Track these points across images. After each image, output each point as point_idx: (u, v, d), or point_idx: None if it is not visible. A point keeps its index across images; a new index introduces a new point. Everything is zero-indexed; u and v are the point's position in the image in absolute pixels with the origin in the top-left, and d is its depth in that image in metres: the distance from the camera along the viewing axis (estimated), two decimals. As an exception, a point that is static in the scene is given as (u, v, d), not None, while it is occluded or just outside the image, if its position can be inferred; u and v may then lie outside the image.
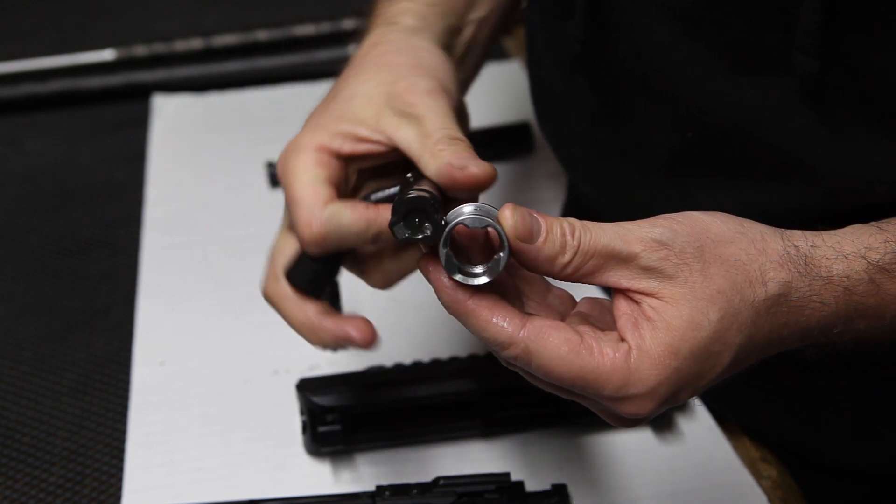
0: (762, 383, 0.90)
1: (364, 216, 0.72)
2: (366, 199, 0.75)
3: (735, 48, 0.78)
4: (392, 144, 0.74)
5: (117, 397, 1.01)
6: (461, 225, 0.62)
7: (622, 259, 0.62)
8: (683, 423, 0.94)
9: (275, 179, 1.16)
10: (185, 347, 1.04)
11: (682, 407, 0.95)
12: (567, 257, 0.62)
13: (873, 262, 0.65)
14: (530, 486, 0.86)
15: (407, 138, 0.72)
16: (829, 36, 0.71)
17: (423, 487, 0.84)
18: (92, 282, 1.17)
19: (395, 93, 0.75)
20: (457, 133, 0.72)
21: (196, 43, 1.51)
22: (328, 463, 0.91)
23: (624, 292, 0.64)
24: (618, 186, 0.92)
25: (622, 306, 0.63)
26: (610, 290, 0.65)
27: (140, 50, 1.50)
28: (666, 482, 0.90)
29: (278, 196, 0.77)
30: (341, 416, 0.88)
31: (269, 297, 0.78)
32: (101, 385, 1.04)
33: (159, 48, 1.51)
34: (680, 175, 0.85)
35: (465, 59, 0.89)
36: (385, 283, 0.78)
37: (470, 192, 0.70)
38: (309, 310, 0.76)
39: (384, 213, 0.72)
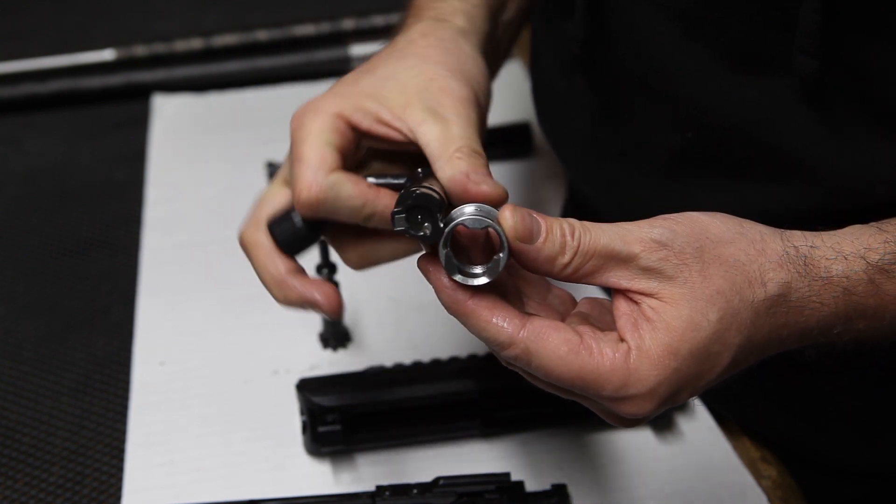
0: (762, 383, 0.90)
1: (363, 194, 0.72)
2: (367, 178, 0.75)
3: (735, 48, 0.78)
4: (411, 137, 0.73)
5: (117, 397, 1.01)
6: (461, 225, 0.62)
7: (622, 259, 0.63)
8: (683, 423, 0.94)
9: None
10: (185, 347, 1.04)
11: (682, 407, 0.95)
12: (567, 258, 0.62)
13: (873, 263, 0.65)
14: (530, 486, 0.86)
15: (428, 135, 0.72)
16: (829, 36, 0.71)
17: (423, 487, 0.84)
18: (92, 282, 1.17)
19: (430, 89, 0.74)
20: (478, 147, 0.71)
21: (196, 43, 1.51)
22: (328, 463, 0.91)
23: (624, 293, 0.64)
24: (618, 186, 0.92)
25: (622, 307, 0.63)
26: (610, 291, 0.65)
27: (140, 50, 1.50)
28: (666, 482, 0.90)
29: (279, 196, 0.77)
30: (341, 416, 0.88)
31: (244, 243, 0.77)
32: (101, 385, 1.04)
33: (159, 48, 1.51)
34: (680, 175, 0.85)
35: (493, 62, 0.89)
36: (359, 263, 0.77)
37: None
38: (280, 265, 0.75)
39: (383, 197, 0.72)
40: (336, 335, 1.02)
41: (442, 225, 0.62)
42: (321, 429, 0.89)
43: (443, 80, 0.74)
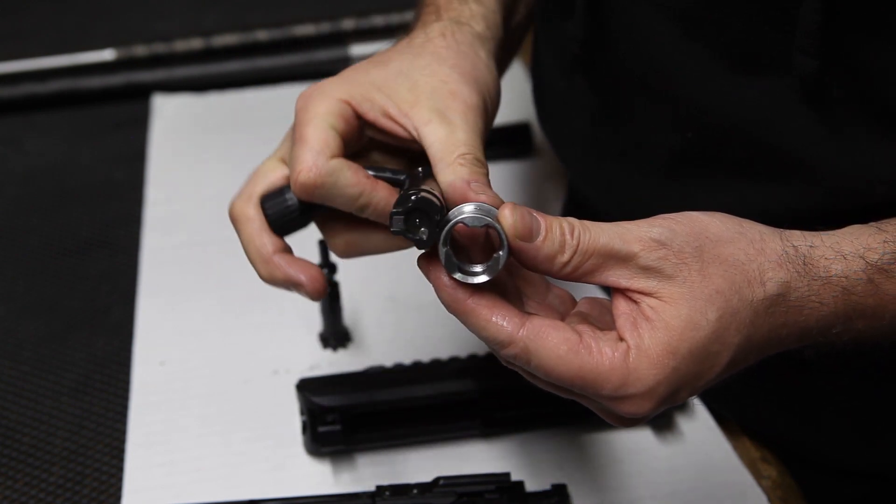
0: (762, 383, 0.90)
1: (361, 184, 0.72)
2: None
3: (735, 48, 0.78)
4: (414, 135, 0.73)
5: (117, 397, 1.01)
6: (461, 224, 0.62)
7: (621, 258, 0.63)
8: (683, 423, 0.94)
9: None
10: (185, 347, 1.04)
11: (682, 407, 0.95)
12: (566, 256, 0.62)
13: (872, 263, 0.65)
14: (530, 486, 0.86)
15: (431, 136, 0.72)
16: (829, 36, 0.71)
17: (423, 487, 0.84)
18: (92, 282, 1.17)
19: (441, 90, 0.74)
20: (482, 156, 0.71)
21: (196, 43, 1.51)
22: (328, 463, 0.91)
23: (623, 292, 0.64)
24: (618, 186, 0.92)
25: (621, 306, 0.63)
26: (609, 290, 0.65)
27: (140, 50, 1.50)
28: (666, 482, 0.90)
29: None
30: (341, 416, 0.88)
31: (234, 216, 0.76)
32: (101, 385, 1.04)
33: (159, 48, 1.51)
34: (680, 175, 0.85)
35: (500, 67, 0.89)
36: (345, 251, 0.77)
37: None
38: (268, 242, 0.74)
39: (380, 190, 0.72)
40: (336, 335, 1.02)
41: (439, 229, 0.62)
42: (321, 429, 0.89)
43: (454, 84, 0.74)
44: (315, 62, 1.47)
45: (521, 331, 0.62)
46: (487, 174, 0.70)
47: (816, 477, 0.93)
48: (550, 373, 0.62)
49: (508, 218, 0.61)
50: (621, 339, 0.62)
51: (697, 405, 0.95)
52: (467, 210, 0.63)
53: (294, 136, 0.74)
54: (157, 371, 1.01)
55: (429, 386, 0.90)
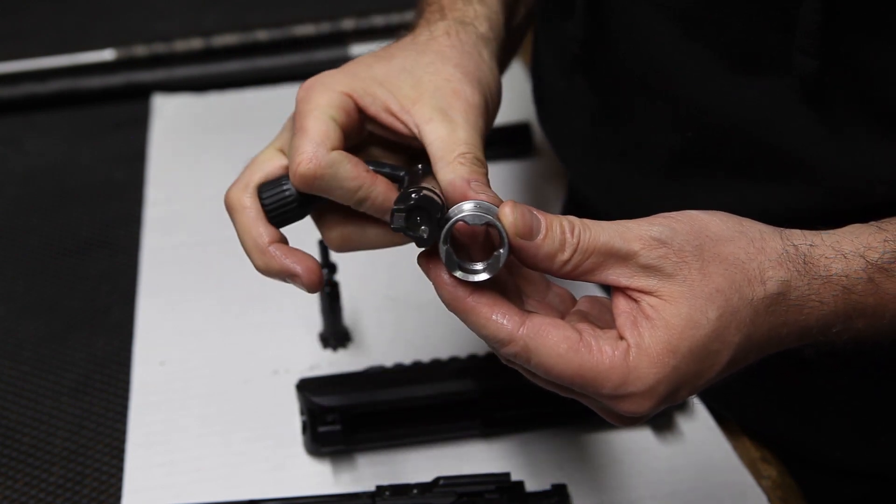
0: (762, 383, 0.90)
1: (361, 177, 0.71)
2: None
3: (735, 48, 0.78)
4: (415, 133, 0.73)
5: (117, 397, 1.01)
6: (462, 221, 0.62)
7: (621, 257, 0.63)
8: (683, 423, 0.94)
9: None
10: (185, 347, 1.04)
11: (682, 406, 0.95)
12: (566, 254, 0.62)
13: (872, 262, 0.65)
14: (530, 486, 0.86)
15: (432, 134, 0.72)
16: (829, 36, 0.71)
17: (423, 487, 0.84)
18: (92, 282, 1.17)
19: (443, 89, 0.74)
20: (482, 156, 0.71)
21: (196, 43, 1.51)
22: (328, 463, 0.91)
23: (623, 290, 0.64)
24: (618, 186, 0.92)
25: (621, 304, 0.63)
26: (609, 289, 0.65)
27: (140, 50, 1.50)
28: (666, 482, 0.90)
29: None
30: (341, 416, 0.88)
31: (230, 204, 0.75)
32: (101, 385, 1.04)
33: (159, 48, 1.51)
34: (680, 175, 0.85)
35: (501, 67, 0.89)
36: (340, 245, 0.76)
37: None
38: (264, 232, 0.73)
39: (379, 184, 0.72)
40: (336, 335, 1.02)
41: (440, 227, 0.62)
42: (321, 429, 0.89)
43: (457, 84, 0.74)
44: (315, 62, 1.47)
45: (522, 329, 0.62)
46: (487, 174, 0.70)
47: (816, 477, 0.93)
48: (550, 371, 0.62)
49: (509, 216, 0.61)
50: (621, 337, 0.62)
51: (697, 405, 0.95)
52: (468, 208, 0.63)
53: (294, 126, 0.73)
54: (157, 371, 1.01)
55: (429, 386, 0.90)
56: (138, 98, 1.44)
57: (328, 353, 1.03)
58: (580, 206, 1.06)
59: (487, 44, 0.80)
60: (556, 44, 0.95)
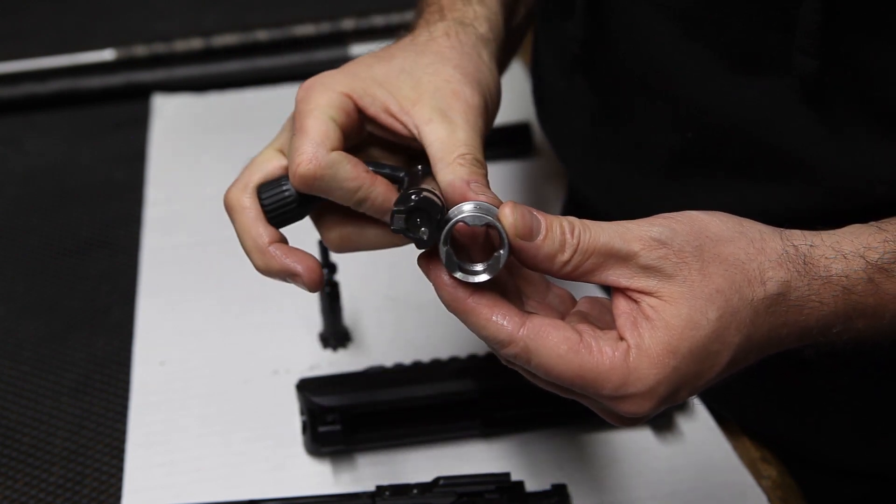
0: (762, 383, 0.90)
1: (361, 178, 0.71)
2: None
3: (735, 48, 0.78)
4: (414, 133, 0.73)
5: (117, 397, 1.01)
6: (462, 222, 0.62)
7: (621, 257, 0.63)
8: (683, 423, 0.94)
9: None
10: (185, 347, 1.04)
11: (682, 407, 0.95)
12: (566, 255, 0.62)
13: (872, 262, 0.65)
14: (530, 486, 0.86)
15: (432, 135, 0.71)
16: (829, 36, 0.71)
17: (423, 487, 0.84)
18: (92, 282, 1.17)
19: (443, 90, 0.74)
20: (481, 157, 0.71)
21: (196, 43, 1.51)
22: (328, 463, 0.91)
23: (623, 291, 0.64)
24: (618, 186, 0.92)
25: (621, 305, 0.63)
26: (609, 290, 0.65)
27: (140, 50, 1.50)
28: (666, 482, 0.90)
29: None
30: (341, 416, 0.88)
31: (229, 205, 0.75)
32: (101, 385, 1.04)
33: (159, 48, 1.51)
34: (680, 175, 0.85)
35: (500, 68, 0.89)
36: (339, 245, 0.76)
37: None
38: (264, 232, 0.73)
39: (379, 185, 0.72)
40: (336, 335, 1.02)
41: (440, 229, 0.62)
42: (321, 429, 0.89)
43: (457, 84, 0.74)
44: (315, 62, 1.47)
45: (522, 330, 0.62)
46: (486, 175, 0.70)
47: (816, 477, 0.93)
48: (550, 372, 0.62)
49: (509, 216, 0.61)
50: (621, 338, 0.62)
51: (697, 405, 0.95)
52: (467, 209, 0.63)
53: (294, 126, 0.73)
54: (157, 371, 1.01)
55: (429, 386, 0.90)
56: (138, 98, 1.44)
57: (328, 353, 1.03)
58: (580, 206, 1.06)
59: (487, 45, 0.80)
60: (556, 44, 0.95)
